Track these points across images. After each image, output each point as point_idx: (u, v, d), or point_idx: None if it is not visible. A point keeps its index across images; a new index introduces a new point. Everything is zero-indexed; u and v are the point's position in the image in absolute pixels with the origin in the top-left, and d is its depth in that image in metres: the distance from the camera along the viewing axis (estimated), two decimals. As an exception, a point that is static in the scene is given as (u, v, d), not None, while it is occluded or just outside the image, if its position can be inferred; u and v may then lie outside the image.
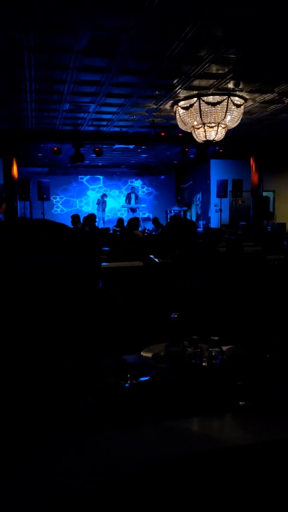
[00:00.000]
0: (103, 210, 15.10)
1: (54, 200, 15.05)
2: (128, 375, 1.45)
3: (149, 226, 12.54)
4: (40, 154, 12.62)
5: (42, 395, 1.26)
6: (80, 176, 16.16)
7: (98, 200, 15.27)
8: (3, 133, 9.82)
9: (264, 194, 12.81)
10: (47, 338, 1.51)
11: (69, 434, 1.12)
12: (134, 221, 7.57)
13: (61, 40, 4.94)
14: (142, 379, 1.42)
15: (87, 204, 15.97)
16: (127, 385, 1.39)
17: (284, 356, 1.45)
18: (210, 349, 1.35)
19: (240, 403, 1.24)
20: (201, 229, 12.44)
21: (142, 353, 1.64)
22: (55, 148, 10.65)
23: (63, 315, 1.56)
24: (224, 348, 1.41)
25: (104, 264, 5.11)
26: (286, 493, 1.09)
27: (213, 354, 1.34)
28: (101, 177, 16.48)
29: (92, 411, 1.20)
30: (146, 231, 11.31)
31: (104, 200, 15.21)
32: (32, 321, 1.51)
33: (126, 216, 13.91)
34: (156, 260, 4.20)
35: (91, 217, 8.35)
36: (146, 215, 15.36)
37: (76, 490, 0.93)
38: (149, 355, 1.61)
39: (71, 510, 0.93)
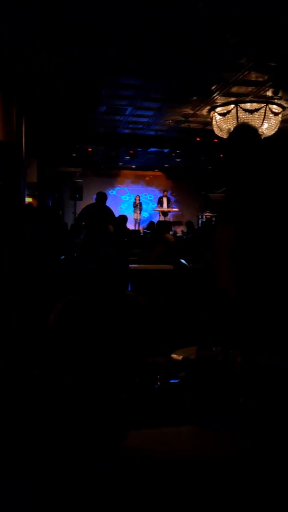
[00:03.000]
0: (139, 212, 15.14)
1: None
2: (158, 376, 1.47)
3: (181, 230, 12.52)
4: (74, 155, 12.85)
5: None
6: (113, 178, 16.32)
7: (134, 202, 15.36)
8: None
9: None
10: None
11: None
12: (165, 225, 7.58)
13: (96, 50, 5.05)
14: (172, 381, 1.44)
15: (120, 206, 16.16)
16: (156, 386, 1.42)
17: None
18: (243, 356, 1.36)
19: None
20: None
21: (172, 355, 1.66)
22: (90, 149, 10.82)
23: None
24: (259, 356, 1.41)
25: (134, 265, 5.16)
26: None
27: (245, 361, 1.34)
28: (134, 179, 16.59)
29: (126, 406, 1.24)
30: (177, 235, 11.30)
31: (140, 202, 15.26)
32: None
33: (157, 219, 13.93)
34: (187, 264, 4.21)
35: (121, 219, 8.41)
36: (177, 219, 15.34)
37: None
38: (179, 357, 1.63)
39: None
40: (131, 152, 10.75)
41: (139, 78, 6.21)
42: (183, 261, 4.19)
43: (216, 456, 1.09)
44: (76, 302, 1.70)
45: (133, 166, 14.97)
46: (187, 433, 1.19)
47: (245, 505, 1.06)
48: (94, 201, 6.90)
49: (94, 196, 6.80)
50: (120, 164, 13.50)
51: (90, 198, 15.65)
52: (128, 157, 11.16)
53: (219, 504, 1.06)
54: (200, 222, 14.12)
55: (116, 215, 7.28)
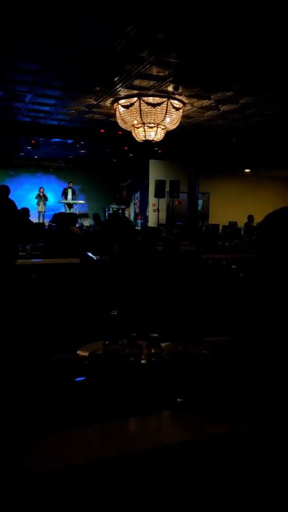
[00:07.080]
0: (44, 204, 14.59)
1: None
2: (64, 375, 1.40)
3: (87, 222, 12.39)
4: None
5: None
6: (15, 169, 15.53)
7: (37, 194, 14.75)
8: None
9: (200, 195, 13.24)
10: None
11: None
12: (71, 217, 7.40)
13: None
14: (78, 379, 1.37)
15: (24, 198, 15.45)
16: (62, 384, 1.34)
17: (220, 354, 1.48)
18: (149, 347, 1.34)
19: (178, 400, 1.25)
20: (139, 228, 12.53)
21: (78, 352, 1.59)
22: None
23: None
24: (163, 345, 1.40)
25: (38, 260, 4.95)
26: (221, 489, 1.11)
27: (152, 351, 1.33)
28: (37, 170, 15.99)
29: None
30: (84, 227, 11.15)
31: (44, 194, 14.70)
32: None
33: (63, 211, 13.58)
34: (94, 257, 4.15)
35: (23, 211, 8.02)
36: (83, 211, 15.12)
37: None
38: (86, 353, 1.57)
39: None
40: (33, 142, 10.29)
41: (37, 62, 5.92)
42: (89, 254, 4.12)
43: (128, 453, 1.05)
44: None
45: (36, 157, 14.38)
46: (96, 432, 1.14)
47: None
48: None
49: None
50: (22, 154, 12.87)
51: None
52: (29, 147, 10.66)
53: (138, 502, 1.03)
54: (107, 214, 14.13)
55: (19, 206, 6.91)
